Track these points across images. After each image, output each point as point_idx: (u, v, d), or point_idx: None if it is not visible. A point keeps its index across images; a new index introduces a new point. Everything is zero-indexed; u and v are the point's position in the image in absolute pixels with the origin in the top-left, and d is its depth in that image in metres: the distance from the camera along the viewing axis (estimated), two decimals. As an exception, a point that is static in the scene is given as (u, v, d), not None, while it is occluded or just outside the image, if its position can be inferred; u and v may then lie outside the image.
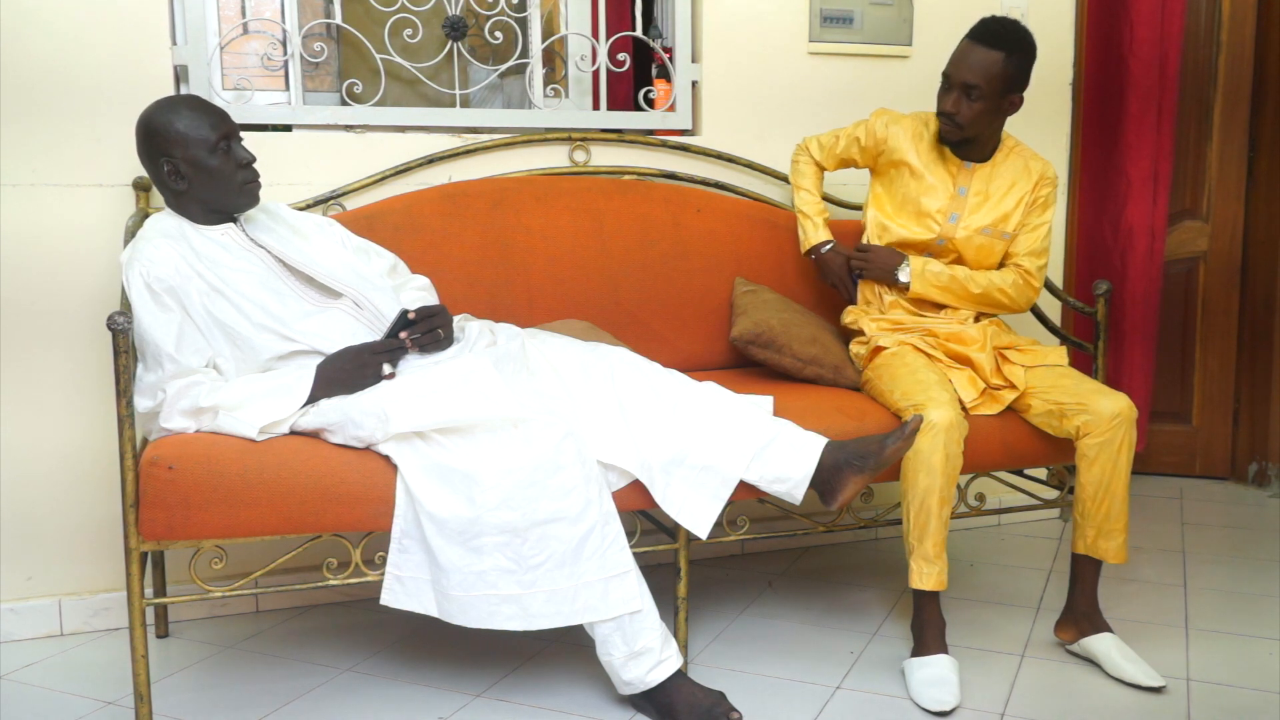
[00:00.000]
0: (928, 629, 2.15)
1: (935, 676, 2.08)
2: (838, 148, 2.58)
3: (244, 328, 2.00)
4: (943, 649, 2.14)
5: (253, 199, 2.11)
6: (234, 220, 2.14)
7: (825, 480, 2.04)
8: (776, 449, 2.04)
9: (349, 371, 1.99)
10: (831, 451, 2.04)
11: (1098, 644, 2.19)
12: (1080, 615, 2.24)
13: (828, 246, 2.57)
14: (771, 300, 2.59)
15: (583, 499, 1.86)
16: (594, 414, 2.02)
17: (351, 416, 1.91)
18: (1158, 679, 2.09)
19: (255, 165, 2.11)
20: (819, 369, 2.44)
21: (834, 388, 2.42)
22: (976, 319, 2.46)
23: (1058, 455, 2.33)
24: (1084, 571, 2.26)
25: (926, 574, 2.13)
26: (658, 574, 2.43)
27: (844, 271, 2.56)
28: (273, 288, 2.06)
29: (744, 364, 2.63)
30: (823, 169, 2.63)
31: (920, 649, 2.15)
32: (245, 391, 1.94)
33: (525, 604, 1.85)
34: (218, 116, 2.06)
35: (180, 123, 2.01)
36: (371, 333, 2.08)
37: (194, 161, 2.02)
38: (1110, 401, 2.16)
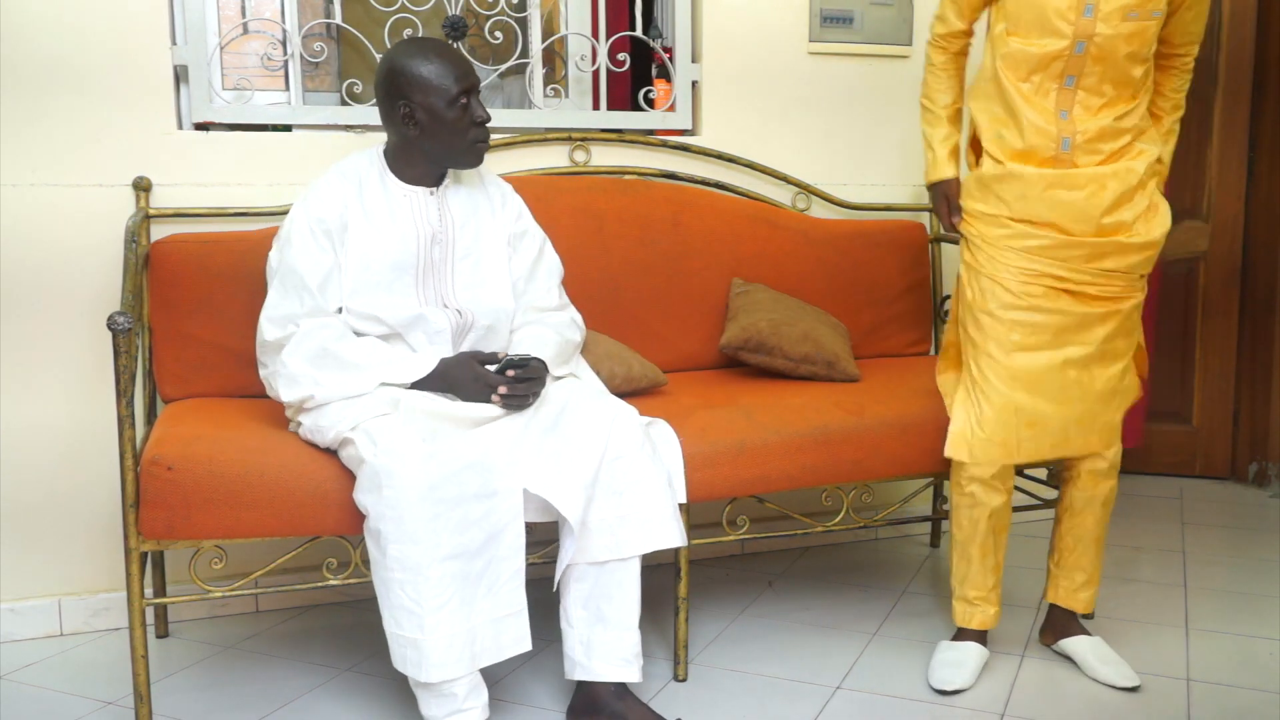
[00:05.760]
0: (972, 636, 2.21)
1: (956, 659, 2.14)
2: (963, 4, 2.19)
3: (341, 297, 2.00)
4: (980, 642, 2.20)
5: (477, 159, 2.07)
6: (434, 188, 2.08)
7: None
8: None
9: (465, 383, 1.94)
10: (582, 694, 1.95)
11: (1074, 646, 2.22)
12: (1057, 624, 2.28)
13: (944, 183, 2.23)
14: (763, 300, 2.59)
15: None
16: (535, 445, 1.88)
17: (319, 424, 1.92)
18: (1133, 679, 2.10)
19: (488, 125, 2.06)
20: (813, 366, 2.45)
21: (829, 383, 2.43)
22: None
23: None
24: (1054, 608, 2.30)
25: (969, 614, 2.19)
26: (658, 574, 2.42)
27: (944, 207, 2.24)
28: (400, 270, 2.02)
29: (744, 363, 2.63)
30: (963, 40, 2.23)
31: (958, 639, 2.21)
32: (371, 351, 1.94)
33: (423, 649, 1.73)
34: (464, 68, 2.01)
35: (426, 68, 1.97)
36: (446, 349, 2.04)
37: (431, 110, 1.97)
38: (1104, 451, 2.15)
